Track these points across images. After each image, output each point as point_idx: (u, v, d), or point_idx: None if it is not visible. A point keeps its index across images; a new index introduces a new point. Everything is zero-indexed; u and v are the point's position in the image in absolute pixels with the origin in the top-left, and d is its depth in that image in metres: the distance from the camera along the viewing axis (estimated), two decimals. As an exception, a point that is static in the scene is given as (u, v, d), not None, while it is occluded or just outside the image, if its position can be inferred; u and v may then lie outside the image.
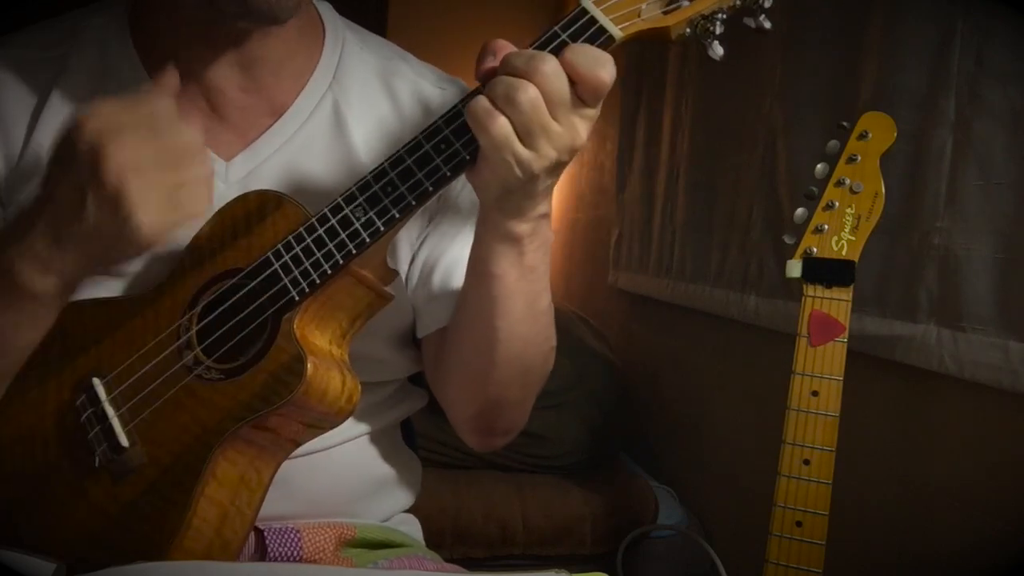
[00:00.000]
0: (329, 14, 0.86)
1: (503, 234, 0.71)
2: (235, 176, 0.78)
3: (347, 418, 0.71)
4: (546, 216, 0.72)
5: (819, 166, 1.04)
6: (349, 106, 0.81)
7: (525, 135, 0.64)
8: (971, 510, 1.12)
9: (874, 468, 1.28)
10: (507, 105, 0.63)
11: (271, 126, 0.80)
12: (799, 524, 0.99)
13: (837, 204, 1.02)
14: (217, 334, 0.70)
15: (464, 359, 0.80)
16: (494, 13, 3.05)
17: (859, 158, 1.02)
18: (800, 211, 1.05)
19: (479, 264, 0.74)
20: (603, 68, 0.63)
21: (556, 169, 0.67)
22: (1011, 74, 1.05)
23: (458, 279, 0.81)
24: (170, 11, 0.76)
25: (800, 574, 0.99)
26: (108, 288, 0.75)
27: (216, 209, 0.73)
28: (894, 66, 1.23)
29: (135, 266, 0.76)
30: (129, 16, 0.80)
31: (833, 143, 1.04)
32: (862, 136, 1.02)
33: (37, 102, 0.78)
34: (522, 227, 0.70)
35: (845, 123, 1.04)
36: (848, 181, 1.02)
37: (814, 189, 1.04)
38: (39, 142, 0.77)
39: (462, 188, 0.83)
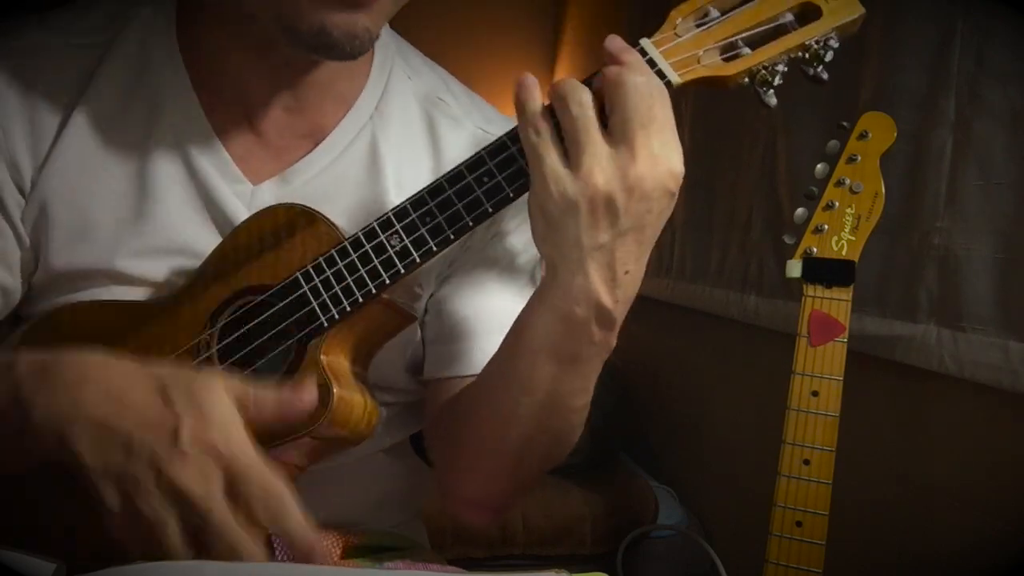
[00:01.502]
0: (383, 35, 0.80)
1: (554, 308, 0.65)
2: (260, 201, 0.74)
3: (365, 440, 0.69)
4: (608, 318, 0.65)
5: (819, 166, 1.04)
6: (387, 140, 0.77)
7: (569, 144, 0.61)
8: (971, 510, 1.12)
9: (874, 468, 1.28)
10: (559, 104, 0.61)
11: (307, 155, 0.76)
12: (799, 524, 0.99)
13: (837, 204, 1.02)
14: (239, 355, 0.67)
15: (475, 421, 0.74)
16: (494, 14, 3.05)
17: (859, 158, 1.02)
18: (800, 211, 1.05)
19: (520, 330, 0.69)
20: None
21: (605, 211, 0.61)
22: (1011, 74, 1.05)
23: (470, 331, 0.78)
24: (224, 24, 0.73)
25: (800, 574, 0.99)
26: (125, 294, 0.73)
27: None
28: (894, 66, 1.23)
29: (156, 273, 0.73)
30: (177, 13, 0.76)
31: (833, 143, 1.04)
32: (862, 136, 1.02)
33: (74, 92, 0.73)
34: (577, 309, 0.64)
35: (845, 123, 1.04)
36: (848, 181, 1.02)
37: (814, 189, 1.04)
38: (71, 137, 0.73)
39: (494, 236, 0.79)
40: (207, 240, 0.72)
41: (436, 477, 0.81)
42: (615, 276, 0.64)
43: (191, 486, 0.52)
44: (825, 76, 0.68)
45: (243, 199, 0.74)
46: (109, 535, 0.54)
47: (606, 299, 0.64)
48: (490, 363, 0.73)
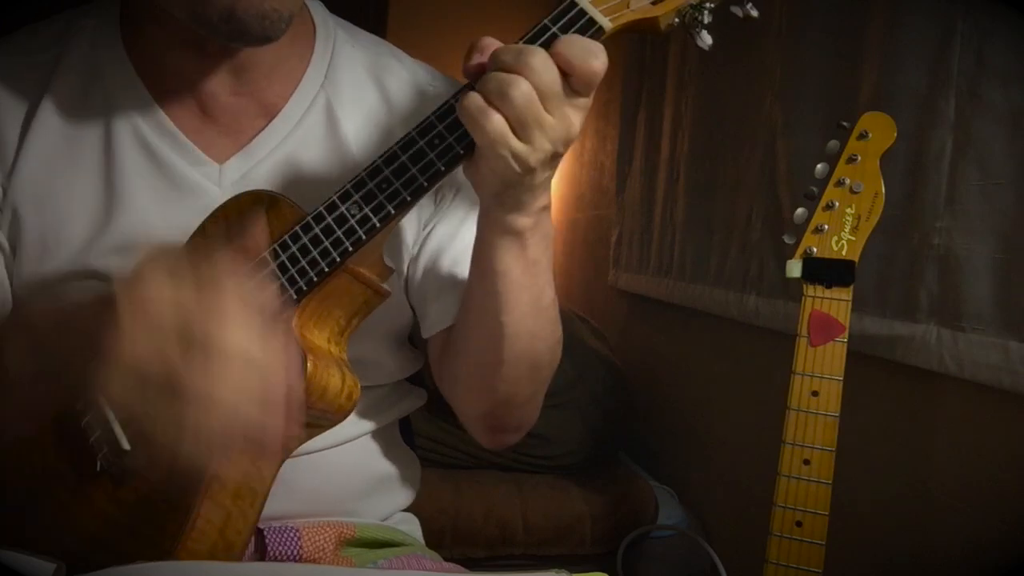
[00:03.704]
0: (320, 13, 0.85)
1: (504, 229, 0.71)
2: (229, 179, 0.77)
3: (347, 416, 0.71)
4: (546, 208, 0.72)
5: (819, 166, 1.04)
6: (342, 105, 0.81)
7: (520, 129, 0.63)
8: (971, 510, 1.12)
9: (874, 468, 1.28)
10: (500, 101, 0.63)
11: (264, 128, 0.79)
12: (799, 524, 0.99)
13: (837, 204, 1.02)
14: None
15: (472, 357, 0.79)
16: (494, 13, 3.05)
17: (859, 158, 1.02)
18: (800, 211, 1.05)
19: (482, 261, 0.73)
20: (595, 58, 0.63)
21: (552, 161, 0.67)
22: (1011, 74, 1.05)
23: (462, 275, 0.81)
24: (160, 22, 0.76)
25: (800, 574, 0.99)
26: (100, 291, 0.75)
27: (209, 212, 0.73)
28: (894, 66, 1.23)
29: (128, 266, 0.75)
30: (119, 19, 0.80)
31: (833, 143, 1.04)
32: (862, 136, 1.02)
33: (29, 106, 0.77)
34: (523, 221, 0.70)
35: (845, 123, 1.04)
36: (848, 181, 1.02)
37: (814, 189, 1.04)
38: (33, 145, 0.76)
39: (462, 184, 0.82)
40: (181, 227, 0.74)
41: (460, 418, 0.86)
42: (547, 188, 0.71)
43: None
44: (755, 13, 0.70)
45: (212, 179, 0.77)
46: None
47: (544, 200, 0.71)
48: (465, 300, 0.79)
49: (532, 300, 0.74)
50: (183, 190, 0.77)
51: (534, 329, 0.76)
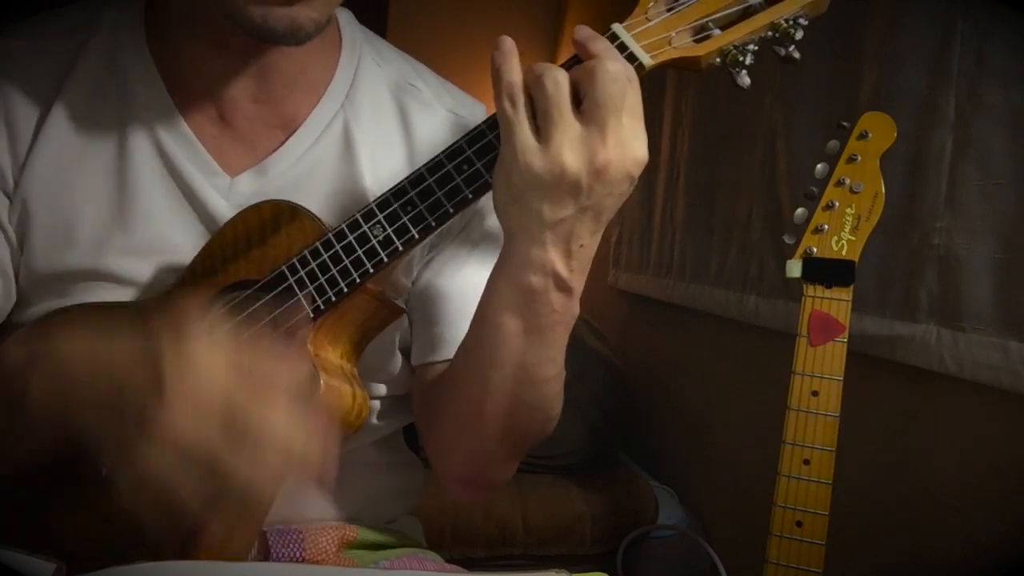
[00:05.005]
0: (348, 24, 0.83)
1: (512, 278, 0.67)
2: (239, 193, 0.75)
3: (356, 433, 0.70)
4: (565, 285, 0.66)
5: (819, 166, 1.04)
6: (360, 128, 0.79)
7: (541, 120, 0.62)
8: (971, 510, 1.12)
9: (874, 468, 1.28)
10: (534, 82, 0.62)
11: (281, 145, 0.77)
12: (799, 524, 0.99)
13: (837, 204, 1.02)
14: None
15: (456, 398, 0.75)
16: (495, 14, 3.05)
17: (859, 158, 1.02)
18: (800, 211, 1.05)
19: (484, 305, 0.71)
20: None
21: (565, 188, 0.62)
22: (1011, 74, 1.05)
23: (454, 312, 0.79)
24: (186, 17, 0.75)
25: (800, 574, 0.99)
26: (113, 294, 0.74)
27: (220, 225, 0.72)
28: (894, 66, 1.23)
29: (143, 272, 0.74)
30: (144, 13, 0.78)
31: (833, 143, 1.04)
32: (862, 136, 1.02)
33: (46, 98, 0.75)
34: (534, 279, 0.65)
35: (845, 123, 1.04)
36: (848, 181, 1.02)
37: (814, 189, 1.04)
38: (48, 139, 0.75)
39: (469, 222, 0.81)
40: (190, 235, 0.73)
41: (429, 458, 0.82)
42: (570, 249, 0.66)
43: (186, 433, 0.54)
44: (797, 55, 0.68)
45: (221, 192, 0.75)
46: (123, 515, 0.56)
47: (561, 268, 0.66)
48: (462, 342, 0.75)
49: (522, 365, 0.69)
50: (192, 198, 0.75)
51: (519, 394, 0.71)
